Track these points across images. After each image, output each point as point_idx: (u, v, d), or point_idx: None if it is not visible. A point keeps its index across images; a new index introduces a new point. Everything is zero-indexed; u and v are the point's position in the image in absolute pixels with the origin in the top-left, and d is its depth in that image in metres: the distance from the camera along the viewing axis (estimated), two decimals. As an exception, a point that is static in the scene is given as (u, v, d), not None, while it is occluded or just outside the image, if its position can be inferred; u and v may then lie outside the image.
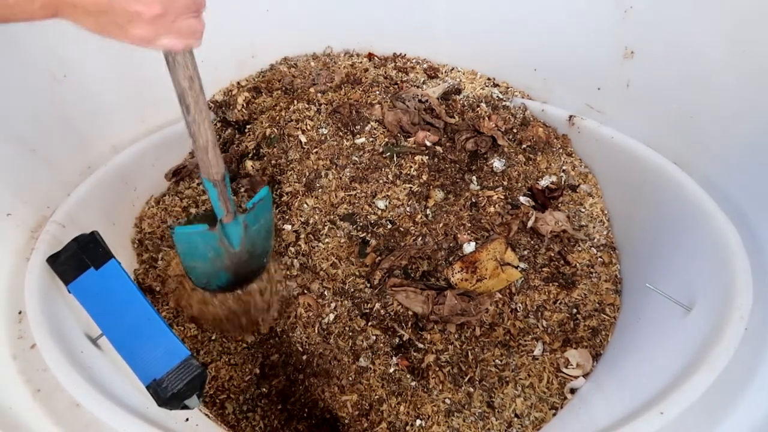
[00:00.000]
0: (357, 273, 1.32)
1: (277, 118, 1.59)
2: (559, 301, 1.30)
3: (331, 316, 1.26)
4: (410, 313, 1.27)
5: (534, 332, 1.26)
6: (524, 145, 1.57)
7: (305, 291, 1.30)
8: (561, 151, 1.58)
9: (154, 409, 0.94)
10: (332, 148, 1.50)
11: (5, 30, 1.14)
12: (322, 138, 1.51)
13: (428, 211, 1.41)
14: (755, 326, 0.94)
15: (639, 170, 1.37)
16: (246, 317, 1.23)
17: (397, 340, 1.25)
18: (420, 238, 1.36)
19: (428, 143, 1.52)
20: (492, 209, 1.41)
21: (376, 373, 1.20)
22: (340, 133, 1.55)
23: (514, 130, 1.59)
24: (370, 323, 1.26)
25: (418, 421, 1.15)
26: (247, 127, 1.64)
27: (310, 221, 1.39)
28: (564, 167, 1.54)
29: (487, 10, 1.69)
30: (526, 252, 1.37)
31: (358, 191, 1.42)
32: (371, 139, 1.52)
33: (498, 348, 1.24)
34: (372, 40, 1.94)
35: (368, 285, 1.30)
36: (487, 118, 1.60)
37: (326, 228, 1.38)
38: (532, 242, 1.39)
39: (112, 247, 1.05)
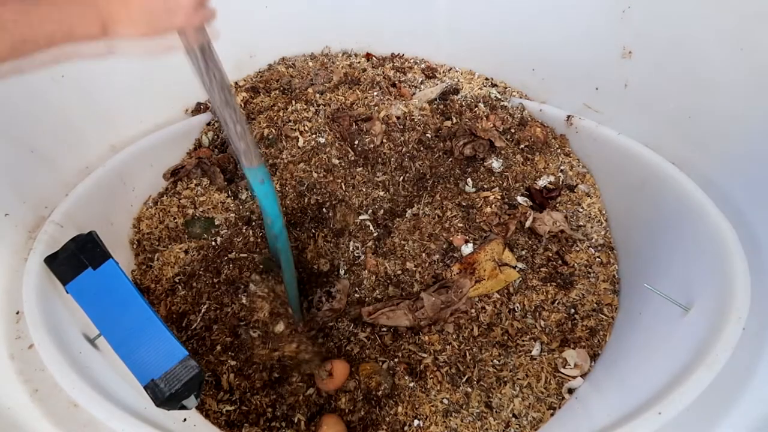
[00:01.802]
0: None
1: (275, 118, 1.59)
2: (557, 301, 1.30)
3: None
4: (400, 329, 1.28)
5: (532, 332, 1.26)
6: (522, 145, 1.57)
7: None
8: (559, 151, 1.58)
9: (152, 409, 0.94)
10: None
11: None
12: (320, 146, 1.52)
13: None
14: (753, 327, 0.95)
15: (637, 170, 1.37)
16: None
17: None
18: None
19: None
20: (489, 209, 1.41)
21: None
22: (338, 144, 1.55)
23: (512, 130, 1.59)
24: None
25: (416, 422, 1.14)
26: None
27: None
28: (562, 167, 1.55)
29: (486, 11, 1.69)
30: (524, 252, 1.37)
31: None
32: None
33: (496, 348, 1.24)
34: (370, 40, 1.94)
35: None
36: (485, 118, 1.60)
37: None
38: (530, 242, 1.39)
39: (110, 247, 1.05)
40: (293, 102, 1.65)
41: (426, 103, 1.67)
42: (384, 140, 1.55)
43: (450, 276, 1.30)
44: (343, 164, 1.52)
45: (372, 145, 1.54)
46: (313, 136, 1.54)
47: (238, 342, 1.23)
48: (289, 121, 1.58)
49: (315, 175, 1.47)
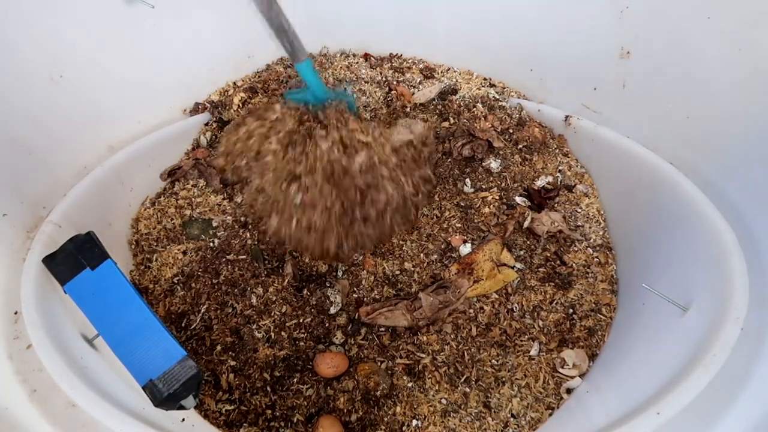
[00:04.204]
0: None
1: (274, 118, 1.59)
2: (555, 302, 1.30)
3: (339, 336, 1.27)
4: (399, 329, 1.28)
5: (530, 332, 1.26)
6: (520, 146, 1.57)
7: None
8: (557, 151, 1.58)
9: (151, 410, 0.94)
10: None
11: (2, 31, 1.14)
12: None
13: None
14: (751, 327, 0.95)
15: (635, 170, 1.37)
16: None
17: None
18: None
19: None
20: (487, 210, 1.42)
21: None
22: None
23: (510, 131, 1.59)
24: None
25: (415, 422, 1.14)
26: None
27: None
28: (560, 167, 1.55)
29: (484, 11, 1.69)
30: (522, 252, 1.37)
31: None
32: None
33: (494, 348, 1.24)
34: (368, 41, 1.94)
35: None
36: (483, 119, 1.60)
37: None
38: (528, 242, 1.39)
39: (108, 247, 1.05)
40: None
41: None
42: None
43: (448, 276, 1.30)
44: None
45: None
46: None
47: (240, 343, 1.23)
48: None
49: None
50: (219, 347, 1.22)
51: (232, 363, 1.21)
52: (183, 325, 1.26)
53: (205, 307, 1.27)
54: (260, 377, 1.19)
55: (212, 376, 1.19)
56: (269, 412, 1.16)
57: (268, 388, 1.19)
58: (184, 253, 1.36)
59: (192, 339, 1.24)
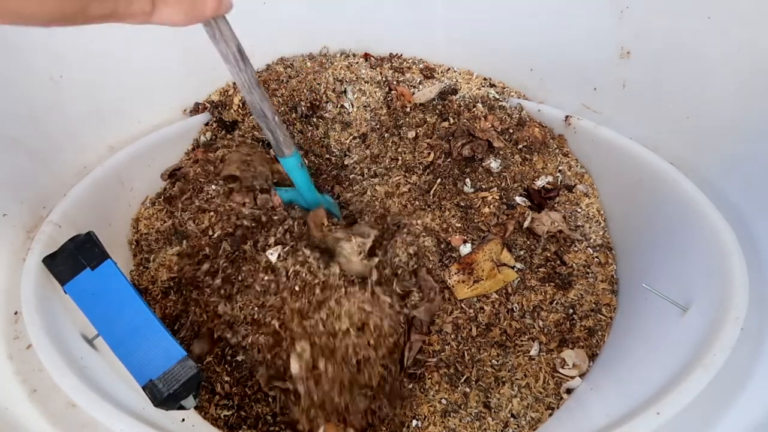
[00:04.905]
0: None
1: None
2: (555, 302, 1.30)
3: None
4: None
5: (530, 332, 1.26)
6: (520, 146, 1.57)
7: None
8: (557, 151, 1.58)
9: (151, 410, 0.94)
10: None
11: (2, 31, 1.14)
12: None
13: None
14: (751, 327, 0.95)
15: (635, 170, 1.37)
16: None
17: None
18: None
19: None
20: (487, 210, 1.41)
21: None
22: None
23: (510, 131, 1.59)
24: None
25: (415, 422, 1.15)
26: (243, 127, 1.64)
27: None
28: (560, 167, 1.55)
29: (484, 11, 1.69)
30: (522, 252, 1.37)
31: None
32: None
33: (494, 348, 1.24)
34: (368, 40, 1.94)
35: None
36: (483, 119, 1.60)
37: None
38: (528, 242, 1.39)
39: (108, 247, 1.05)
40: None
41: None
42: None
43: (448, 276, 1.30)
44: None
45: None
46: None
47: (236, 363, 1.23)
48: (288, 121, 1.58)
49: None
50: (210, 358, 1.22)
51: (227, 379, 1.20)
52: (176, 328, 1.26)
53: (191, 317, 1.27)
54: (260, 390, 1.19)
55: (208, 383, 1.19)
56: (270, 418, 1.16)
57: (270, 399, 1.18)
58: (180, 256, 1.36)
59: (183, 344, 1.24)
